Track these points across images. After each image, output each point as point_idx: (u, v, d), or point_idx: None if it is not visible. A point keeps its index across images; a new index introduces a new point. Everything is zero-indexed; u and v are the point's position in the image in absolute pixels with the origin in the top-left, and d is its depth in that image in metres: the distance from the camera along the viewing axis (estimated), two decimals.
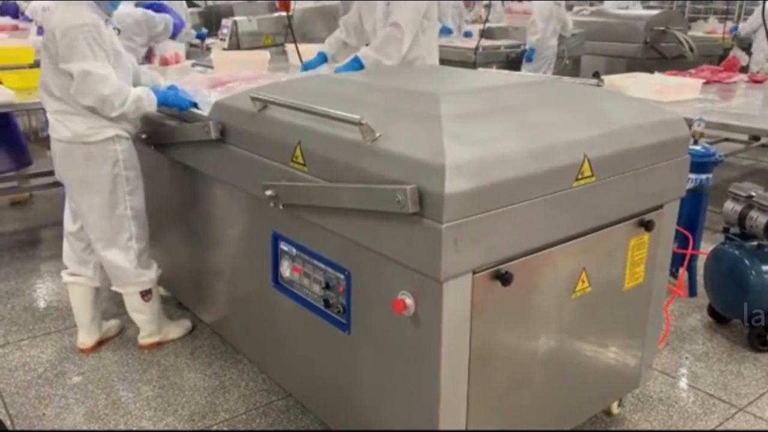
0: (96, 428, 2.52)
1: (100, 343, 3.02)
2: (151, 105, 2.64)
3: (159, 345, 3.00)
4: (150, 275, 2.86)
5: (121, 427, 2.53)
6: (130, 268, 2.78)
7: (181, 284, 3.24)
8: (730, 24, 8.89)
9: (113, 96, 2.51)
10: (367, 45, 3.76)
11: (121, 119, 2.63)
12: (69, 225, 2.88)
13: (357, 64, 3.50)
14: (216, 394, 2.72)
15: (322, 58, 3.86)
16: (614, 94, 2.60)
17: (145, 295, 2.86)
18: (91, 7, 2.56)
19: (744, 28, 8.15)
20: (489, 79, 2.46)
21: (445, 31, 7.88)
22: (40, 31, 5.23)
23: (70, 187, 2.74)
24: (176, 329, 3.08)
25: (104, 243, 2.74)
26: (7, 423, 2.53)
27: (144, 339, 2.98)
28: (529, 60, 7.08)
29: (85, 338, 2.98)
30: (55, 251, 4.10)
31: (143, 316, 2.92)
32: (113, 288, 2.87)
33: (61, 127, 2.62)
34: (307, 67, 3.86)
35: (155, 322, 2.96)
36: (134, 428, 2.52)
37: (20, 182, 4.82)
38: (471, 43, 7.13)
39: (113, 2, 2.68)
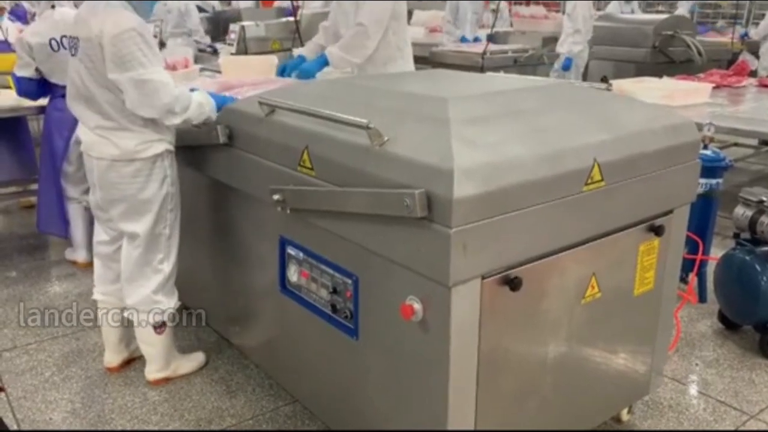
0: None
1: (128, 362, 2.91)
2: (212, 110, 2.48)
3: (167, 380, 2.82)
4: (167, 305, 2.68)
5: None
6: (149, 292, 2.63)
7: (187, 288, 3.23)
8: (739, 28, 8.84)
9: (174, 103, 2.35)
10: None
11: (168, 130, 2.52)
12: (104, 247, 2.75)
13: (323, 60, 3.58)
14: (222, 399, 2.71)
15: (300, 61, 3.86)
16: (624, 99, 2.58)
17: (158, 327, 2.68)
18: (128, 9, 2.41)
19: (757, 32, 8.09)
20: (497, 83, 2.45)
21: (463, 41, 7.91)
22: None
23: (111, 208, 2.58)
24: (187, 364, 2.88)
25: (142, 263, 2.60)
26: (14, 428, 2.53)
27: (151, 374, 2.79)
28: (567, 69, 7.09)
29: (112, 357, 2.88)
30: (63, 255, 4.12)
31: (152, 349, 2.75)
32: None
33: (107, 144, 2.46)
34: (283, 68, 3.81)
35: (164, 357, 2.78)
36: None
37: (25, 187, 4.81)
38: (478, 48, 7.12)
39: (150, 3, 2.56)
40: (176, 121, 2.42)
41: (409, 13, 7.57)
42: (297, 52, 3.99)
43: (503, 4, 10.01)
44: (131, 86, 2.33)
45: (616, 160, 1.94)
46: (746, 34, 8.32)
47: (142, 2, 2.50)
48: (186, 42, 7.43)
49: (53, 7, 3.68)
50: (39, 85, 3.74)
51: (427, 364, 1.78)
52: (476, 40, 8.11)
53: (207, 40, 7.79)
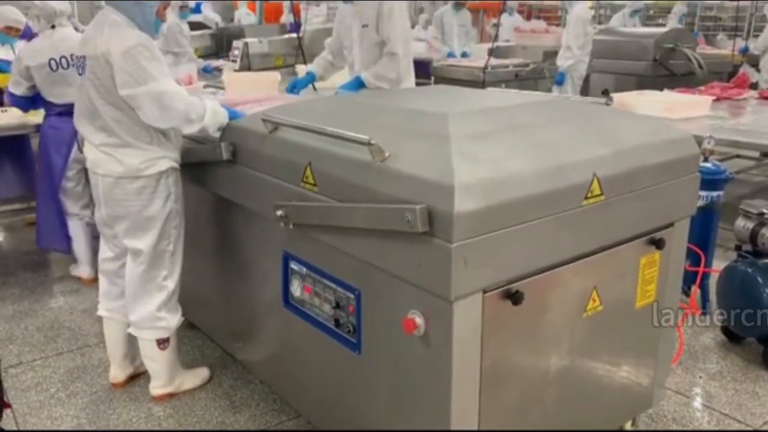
0: None
1: (133, 378, 2.92)
2: (225, 117, 2.50)
3: (172, 396, 2.81)
4: (170, 322, 2.69)
5: None
6: (152, 309, 2.64)
7: (191, 303, 3.24)
8: (740, 41, 8.87)
9: (189, 110, 2.38)
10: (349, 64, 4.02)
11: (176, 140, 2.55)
12: (108, 264, 2.77)
13: (359, 82, 3.72)
14: (227, 414, 2.72)
15: (311, 77, 4.05)
16: (623, 113, 2.61)
17: (161, 343, 2.69)
18: (133, 27, 2.45)
19: (756, 46, 8.10)
20: (498, 98, 2.47)
21: (449, 56, 7.92)
22: None
23: (116, 224, 2.60)
24: (192, 379, 2.89)
25: (146, 280, 2.62)
26: None
27: (156, 389, 2.79)
28: (559, 84, 7.12)
29: (117, 373, 2.89)
30: (67, 271, 4.14)
31: (156, 365, 2.75)
32: (129, 330, 2.74)
33: (112, 161, 2.49)
34: (294, 85, 3.98)
35: (168, 373, 2.78)
36: None
37: (29, 204, 4.83)
38: (480, 62, 7.16)
39: (155, 24, 2.57)
40: (194, 129, 2.44)
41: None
42: (305, 68, 4.11)
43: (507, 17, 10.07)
44: (147, 99, 2.36)
45: (616, 174, 1.96)
46: (746, 49, 8.31)
47: (146, 22, 2.52)
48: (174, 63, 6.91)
49: (53, 27, 3.73)
50: (30, 101, 3.82)
51: (430, 377, 1.79)
52: (464, 55, 8.08)
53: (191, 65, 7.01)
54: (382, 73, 3.68)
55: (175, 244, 2.66)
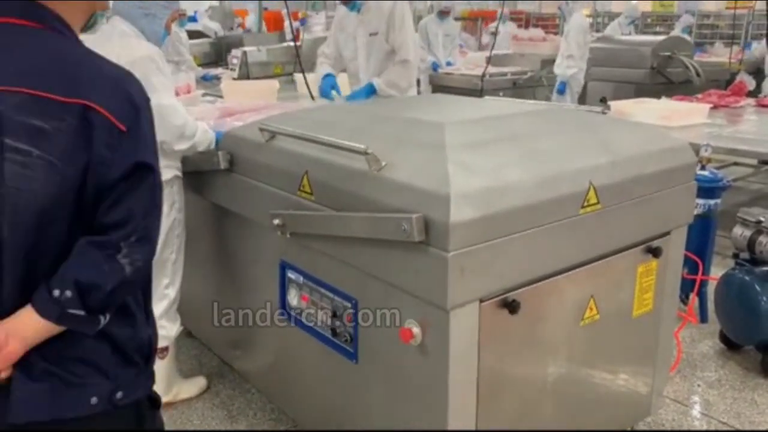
0: None
1: None
2: (213, 139, 2.54)
3: (169, 405, 2.74)
4: (170, 331, 2.68)
5: None
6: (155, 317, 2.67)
7: (188, 312, 3.24)
8: (736, 48, 8.89)
9: (185, 126, 2.41)
10: (344, 70, 4.01)
11: (175, 155, 2.53)
12: None
13: (370, 89, 3.69)
14: (224, 423, 2.71)
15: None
16: (620, 121, 2.61)
17: (160, 352, 2.63)
18: (141, 38, 2.48)
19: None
20: (494, 107, 2.48)
21: (435, 67, 7.89)
22: None
23: None
24: (189, 388, 2.88)
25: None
26: None
27: None
28: (561, 93, 7.12)
29: None
30: None
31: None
32: None
33: None
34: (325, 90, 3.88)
35: (166, 382, 2.74)
36: None
37: None
38: (478, 71, 7.18)
39: (162, 37, 2.58)
40: (185, 145, 2.46)
41: None
42: (322, 71, 3.98)
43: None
44: None
45: (612, 182, 1.96)
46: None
47: (154, 33, 2.54)
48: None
49: None
50: None
51: (427, 387, 1.78)
52: (448, 65, 8.04)
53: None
54: (395, 81, 3.67)
55: (177, 253, 2.66)
